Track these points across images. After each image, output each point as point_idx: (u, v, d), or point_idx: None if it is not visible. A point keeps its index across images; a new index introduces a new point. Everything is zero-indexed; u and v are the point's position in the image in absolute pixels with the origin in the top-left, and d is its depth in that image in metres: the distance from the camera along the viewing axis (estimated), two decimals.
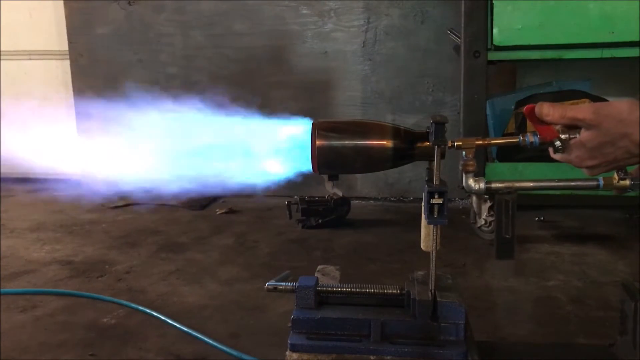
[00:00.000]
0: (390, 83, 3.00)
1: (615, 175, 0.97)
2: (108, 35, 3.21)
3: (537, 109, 0.96)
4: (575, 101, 2.26)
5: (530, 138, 0.98)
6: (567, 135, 0.96)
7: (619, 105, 0.93)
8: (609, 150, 0.93)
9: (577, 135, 0.95)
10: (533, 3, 2.11)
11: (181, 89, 3.16)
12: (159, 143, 1.26)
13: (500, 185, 1.01)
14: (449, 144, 0.98)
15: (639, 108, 0.91)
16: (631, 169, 0.99)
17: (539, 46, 2.15)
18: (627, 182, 0.96)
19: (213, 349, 1.52)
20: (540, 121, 0.96)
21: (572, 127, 0.96)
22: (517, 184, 1.01)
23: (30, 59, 3.53)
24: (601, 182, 0.98)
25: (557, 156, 0.99)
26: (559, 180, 1.01)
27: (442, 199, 0.96)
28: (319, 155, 1.02)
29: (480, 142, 1.00)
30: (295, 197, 2.61)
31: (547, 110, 0.96)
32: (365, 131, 1.04)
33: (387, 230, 2.58)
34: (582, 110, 0.94)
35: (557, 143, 0.96)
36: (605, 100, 2.28)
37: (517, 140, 1.00)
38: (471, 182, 1.00)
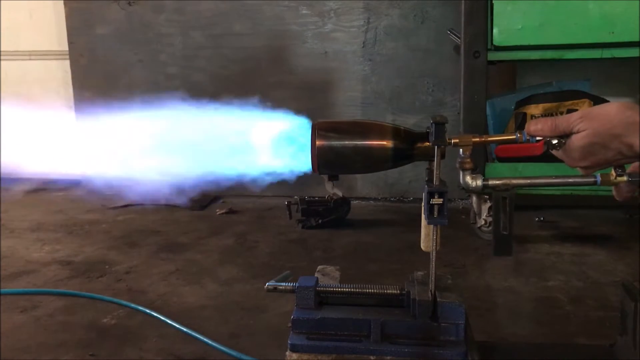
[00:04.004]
0: (390, 83, 3.00)
1: (613, 172, 0.97)
2: (108, 35, 3.21)
3: (526, 130, 0.98)
4: (574, 101, 2.27)
5: (527, 135, 0.99)
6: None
7: (607, 107, 0.94)
8: (600, 151, 0.94)
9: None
10: (533, 3, 2.10)
11: (181, 89, 3.16)
12: (159, 143, 1.26)
13: (497, 182, 1.01)
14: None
15: (628, 109, 0.92)
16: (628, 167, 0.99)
17: (539, 46, 2.15)
18: (625, 178, 0.97)
19: (213, 349, 1.52)
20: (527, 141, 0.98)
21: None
22: (514, 181, 1.01)
23: (30, 59, 3.53)
24: (599, 179, 0.98)
25: (554, 152, 1.00)
26: (556, 177, 1.01)
27: (442, 199, 0.96)
28: (319, 156, 1.02)
29: (477, 139, 1.00)
30: (295, 197, 2.61)
31: (535, 127, 0.97)
32: (365, 131, 1.04)
33: (387, 230, 2.58)
34: (571, 117, 0.95)
35: (555, 141, 0.97)
36: (606, 100, 2.29)
37: (514, 137, 1.00)
38: (468, 179, 1.01)
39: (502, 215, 1.00)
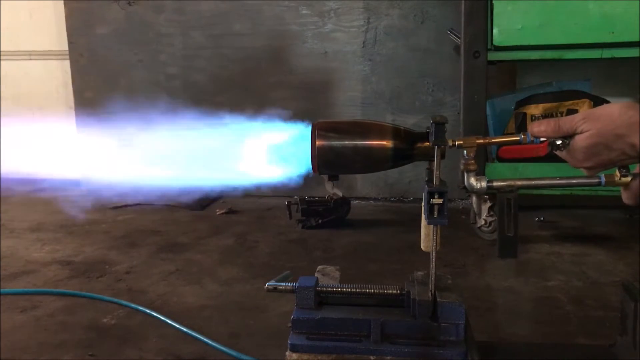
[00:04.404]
0: (390, 83, 3.00)
1: (617, 172, 0.97)
2: (108, 35, 3.21)
3: (529, 131, 0.98)
4: (574, 101, 2.27)
5: (530, 136, 0.99)
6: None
7: (610, 108, 0.94)
8: (603, 152, 0.94)
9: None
10: (533, 3, 2.10)
11: (181, 89, 3.16)
12: (159, 143, 1.26)
13: (501, 184, 1.01)
14: (450, 143, 0.98)
15: (630, 109, 0.92)
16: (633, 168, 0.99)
17: (539, 46, 2.15)
18: (629, 178, 0.97)
19: (213, 349, 1.52)
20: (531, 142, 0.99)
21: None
22: (519, 183, 1.01)
23: (30, 59, 3.53)
24: (603, 180, 0.98)
25: (558, 153, 1.00)
26: (560, 178, 1.01)
27: (442, 199, 0.96)
28: (319, 156, 1.02)
29: (481, 141, 1.00)
30: (295, 197, 2.61)
31: (539, 129, 0.97)
32: (365, 131, 1.04)
33: (387, 230, 2.58)
34: (574, 118, 0.96)
35: (558, 142, 0.97)
36: (606, 100, 2.29)
37: (518, 138, 1.00)
38: (473, 181, 1.01)
39: (506, 217, 1.00)
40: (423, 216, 1.00)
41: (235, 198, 3.01)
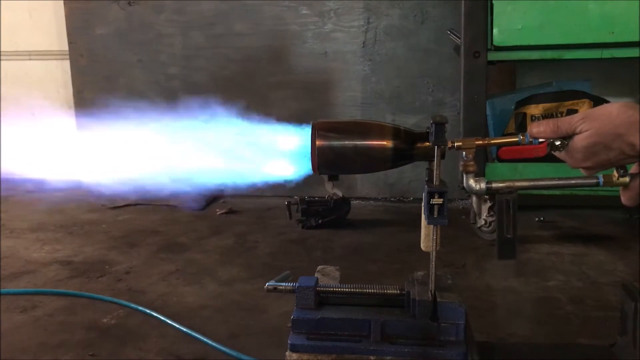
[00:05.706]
0: (390, 83, 3.00)
1: (615, 173, 0.97)
2: (108, 35, 3.21)
3: (528, 132, 0.98)
4: (574, 101, 2.27)
5: (529, 137, 0.99)
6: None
7: (608, 107, 0.95)
8: (602, 151, 0.94)
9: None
10: (533, 3, 2.11)
11: (181, 89, 3.16)
12: (159, 143, 1.27)
13: (500, 185, 1.01)
14: (449, 145, 0.98)
15: (629, 108, 0.92)
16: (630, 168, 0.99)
17: (539, 46, 2.15)
18: (627, 178, 0.97)
19: (213, 350, 1.52)
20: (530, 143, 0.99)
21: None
22: (518, 184, 1.01)
23: (30, 59, 3.53)
24: (601, 180, 0.98)
25: (557, 154, 1.00)
26: (559, 178, 1.01)
27: (442, 199, 0.96)
28: (319, 156, 1.02)
29: (480, 142, 1.00)
30: (295, 197, 2.61)
31: (538, 129, 0.97)
32: (365, 131, 1.04)
33: (387, 230, 2.58)
34: (573, 118, 0.96)
35: (557, 142, 0.97)
36: (606, 100, 2.29)
37: (517, 139, 1.00)
38: (472, 182, 1.01)
39: (505, 219, 1.00)
40: (423, 216, 1.00)
41: (235, 198, 3.01)
